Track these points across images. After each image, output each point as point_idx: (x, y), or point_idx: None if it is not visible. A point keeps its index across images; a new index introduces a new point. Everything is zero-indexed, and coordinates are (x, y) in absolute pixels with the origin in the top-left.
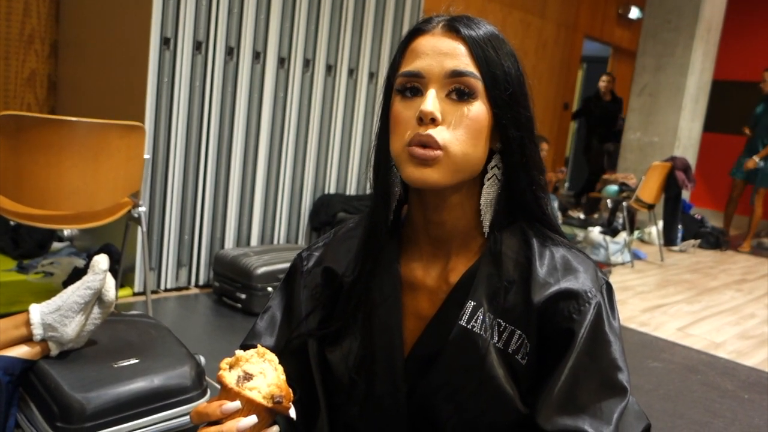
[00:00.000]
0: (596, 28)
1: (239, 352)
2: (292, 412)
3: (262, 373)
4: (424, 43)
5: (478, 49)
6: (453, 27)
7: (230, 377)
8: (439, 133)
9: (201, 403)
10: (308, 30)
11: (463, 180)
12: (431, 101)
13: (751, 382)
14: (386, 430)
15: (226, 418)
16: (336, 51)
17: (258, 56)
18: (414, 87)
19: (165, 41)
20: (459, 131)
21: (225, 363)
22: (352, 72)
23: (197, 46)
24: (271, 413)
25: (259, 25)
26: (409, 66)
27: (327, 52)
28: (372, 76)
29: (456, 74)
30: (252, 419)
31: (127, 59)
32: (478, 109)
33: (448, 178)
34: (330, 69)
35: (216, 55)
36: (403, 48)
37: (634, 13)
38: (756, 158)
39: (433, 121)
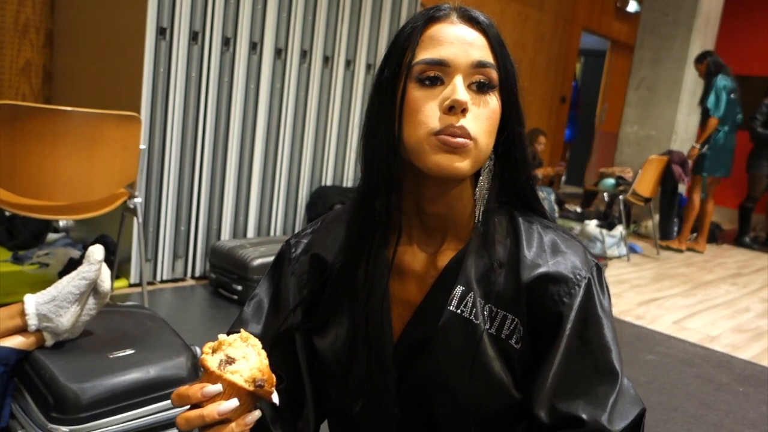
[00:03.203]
0: (594, 21)
1: (222, 336)
2: (275, 398)
3: (244, 358)
4: (446, 30)
5: (495, 41)
6: (470, 16)
7: (212, 361)
8: (468, 124)
9: (182, 386)
10: (305, 21)
11: (476, 171)
12: (463, 90)
13: (746, 375)
14: (377, 417)
15: (207, 401)
16: (333, 42)
17: (255, 47)
18: (436, 75)
19: (161, 31)
20: (482, 122)
21: (208, 347)
22: (349, 63)
23: (194, 36)
24: (253, 397)
25: (255, 15)
26: (432, 54)
27: (324, 43)
28: (369, 67)
29: (481, 65)
30: (233, 402)
31: (123, 49)
32: (495, 101)
33: (472, 168)
34: (327, 60)
35: (212, 45)
36: (418, 34)
37: (632, 6)
38: (696, 144)
39: (463, 111)
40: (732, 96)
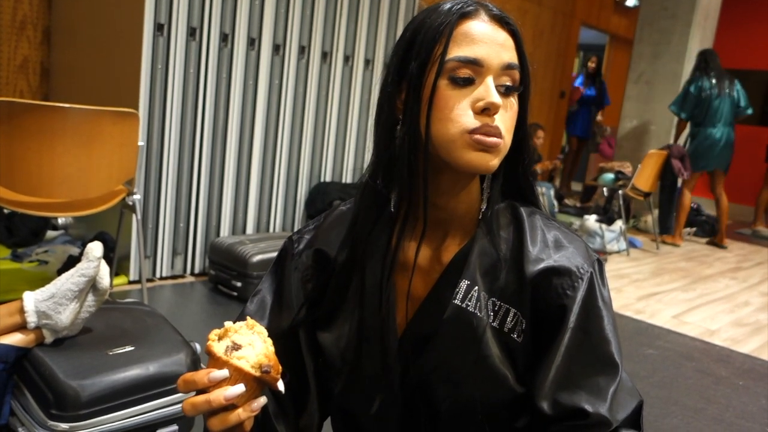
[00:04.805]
0: (593, 15)
1: (228, 323)
2: (281, 385)
3: (250, 344)
4: (478, 29)
5: (520, 42)
6: (499, 17)
7: (219, 347)
8: (499, 123)
9: (188, 372)
10: (303, 16)
11: None
12: (496, 93)
13: (746, 369)
14: (381, 411)
15: (213, 387)
16: (331, 38)
17: (253, 43)
18: (469, 76)
19: (159, 27)
20: (507, 121)
21: (214, 334)
22: (347, 59)
23: (191, 32)
24: (259, 383)
25: (253, 11)
26: (466, 52)
27: (322, 39)
28: (368, 63)
29: (510, 67)
30: (240, 388)
31: (121, 45)
32: (515, 101)
33: (498, 164)
34: (325, 56)
35: (210, 41)
36: (450, 30)
37: (631, 0)
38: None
39: (495, 113)
40: (711, 92)
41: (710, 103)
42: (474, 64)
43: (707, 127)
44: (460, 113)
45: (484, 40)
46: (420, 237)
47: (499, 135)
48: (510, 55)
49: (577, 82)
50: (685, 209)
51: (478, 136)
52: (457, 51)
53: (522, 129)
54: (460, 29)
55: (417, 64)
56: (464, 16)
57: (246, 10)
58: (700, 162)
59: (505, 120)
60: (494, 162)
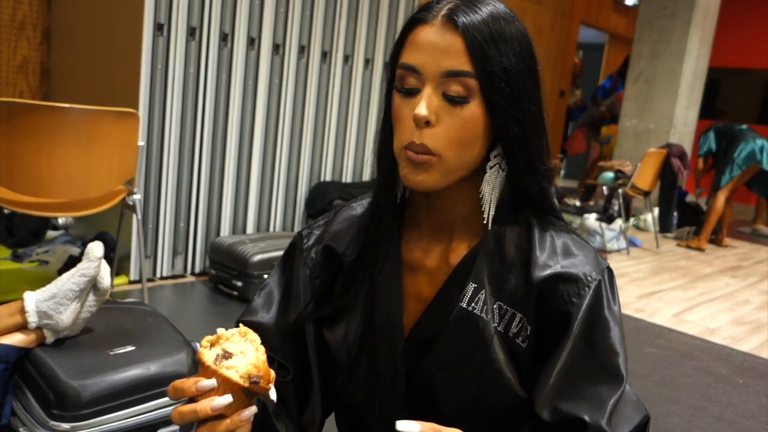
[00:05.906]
0: (592, 14)
1: (221, 330)
2: (273, 394)
3: (242, 353)
4: (423, 35)
5: (475, 45)
6: (452, 18)
7: (209, 355)
8: (432, 139)
9: (178, 380)
10: (303, 16)
11: (460, 178)
12: (425, 104)
13: (746, 367)
14: (385, 411)
15: (201, 396)
16: (331, 37)
17: (252, 42)
18: (411, 83)
19: (158, 27)
20: (453, 133)
21: (206, 341)
22: (347, 58)
23: (191, 32)
24: (248, 394)
25: (253, 10)
26: (407, 58)
27: (322, 39)
28: (368, 62)
29: (451, 75)
30: (227, 399)
31: (121, 45)
32: (473, 109)
33: (440, 181)
34: (325, 55)
35: (210, 41)
36: (402, 38)
37: None
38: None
39: (428, 124)
40: (719, 127)
41: (726, 129)
42: (412, 70)
43: (739, 134)
44: (403, 125)
45: (423, 47)
46: (399, 236)
47: (426, 152)
48: (452, 62)
49: (607, 83)
50: (718, 213)
51: (407, 152)
52: (403, 58)
53: (506, 131)
54: (410, 37)
55: (389, 73)
56: (418, 21)
57: (246, 9)
58: (751, 158)
59: (448, 130)
60: (428, 179)
